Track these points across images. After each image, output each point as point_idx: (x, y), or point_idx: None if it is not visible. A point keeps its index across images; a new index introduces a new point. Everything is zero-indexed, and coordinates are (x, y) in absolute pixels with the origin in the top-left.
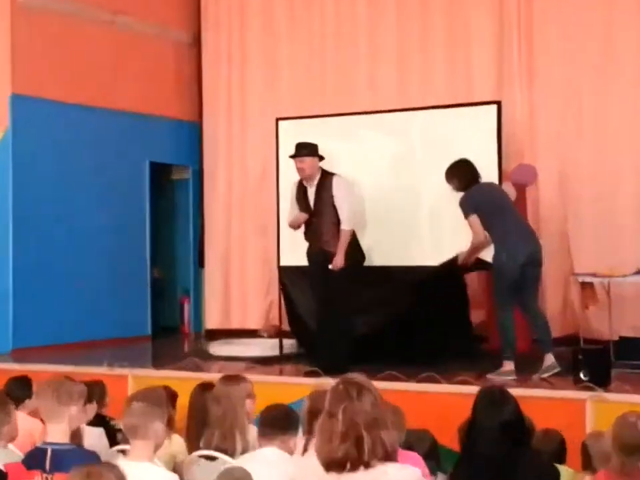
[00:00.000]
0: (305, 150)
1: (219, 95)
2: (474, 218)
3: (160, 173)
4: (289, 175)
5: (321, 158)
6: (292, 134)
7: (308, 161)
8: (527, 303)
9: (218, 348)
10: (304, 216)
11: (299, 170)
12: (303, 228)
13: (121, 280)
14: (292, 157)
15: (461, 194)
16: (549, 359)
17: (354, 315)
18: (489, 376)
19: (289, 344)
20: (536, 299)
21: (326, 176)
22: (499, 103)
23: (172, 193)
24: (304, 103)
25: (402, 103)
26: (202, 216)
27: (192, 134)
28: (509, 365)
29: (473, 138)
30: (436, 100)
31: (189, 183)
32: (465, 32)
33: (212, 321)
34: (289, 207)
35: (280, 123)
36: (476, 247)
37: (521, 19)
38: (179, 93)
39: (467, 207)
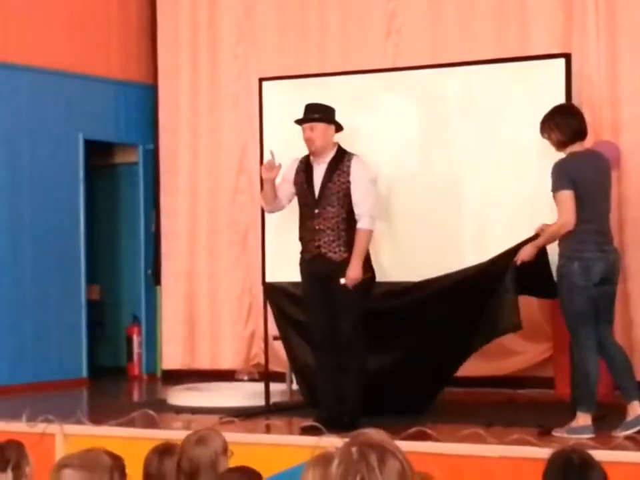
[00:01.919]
0: (318, 113)
1: (179, 47)
2: (568, 194)
3: (98, 155)
4: (280, 156)
5: (339, 127)
6: (281, 100)
7: (320, 128)
8: (599, 336)
9: (180, 396)
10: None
11: (307, 140)
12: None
13: (46, 304)
14: (298, 121)
15: (559, 156)
16: (635, 409)
17: (371, 348)
18: (555, 433)
19: (279, 390)
20: (610, 328)
21: (343, 154)
22: (567, 56)
23: (115, 183)
24: (296, 58)
25: (434, 58)
26: (157, 215)
27: (142, 101)
28: (584, 419)
29: (532, 104)
30: (478, 54)
31: (138, 168)
32: None
33: (171, 359)
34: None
35: (264, 84)
36: (557, 233)
37: None
38: (124, 43)
39: (562, 179)
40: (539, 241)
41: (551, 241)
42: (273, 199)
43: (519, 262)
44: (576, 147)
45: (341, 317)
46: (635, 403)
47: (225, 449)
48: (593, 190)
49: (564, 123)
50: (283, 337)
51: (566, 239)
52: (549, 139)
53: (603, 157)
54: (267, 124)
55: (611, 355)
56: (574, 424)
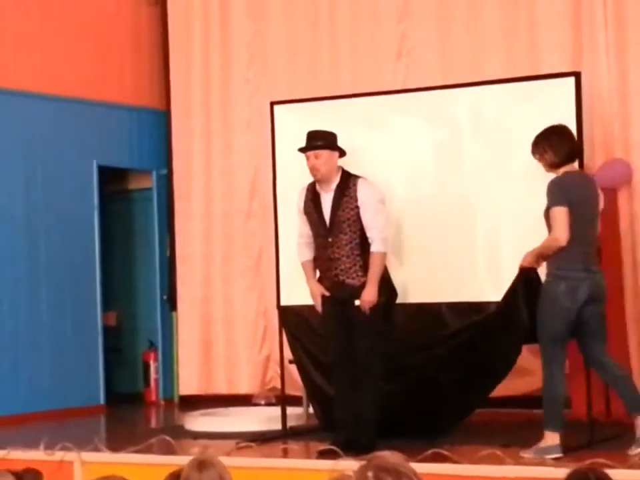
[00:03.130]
0: (321, 141)
1: (191, 72)
2: (563, 211)
3: (112, 181)
4: (292, 180)
5: (342, 153)
6: (293, 123)
7: (324, 155)
8: (592, 353)
9: (197, 422)
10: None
11: (312, 169)
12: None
13: (62, 330)
14: (302, 150)
15: (551, 176)
16: None
17: (387, 370)
18: (523, 454)
19: (295, 414)
20: (604, 345)
21: (348, 178)
22: (577, 75)
23: (129, 209)
24: (307, 80)
25: (445, 78)
26: (172, 240)
27: (156, 127)
28: (552, 438)
29: (543, 123)
30: (488, 74)
31: (152, 193)
32: None
33: (187, 384)
34: (297, 223)
35: (275, 108)
36: (549, 247)
37: None
38: (136, 70)
39: (559, 195)
40: (536, 249)
41: (544, 251)
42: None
43: (519, 267)
44: (567, 168)
45: (359, 337)
46: None
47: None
48: (584, 211)
49: (559, 144)
50: (297, 360)
51: (554, 257)
52: (541, 159)
53: (592, 179)
54: (279, 147)
55: (609, 372)
56: (542, 444)
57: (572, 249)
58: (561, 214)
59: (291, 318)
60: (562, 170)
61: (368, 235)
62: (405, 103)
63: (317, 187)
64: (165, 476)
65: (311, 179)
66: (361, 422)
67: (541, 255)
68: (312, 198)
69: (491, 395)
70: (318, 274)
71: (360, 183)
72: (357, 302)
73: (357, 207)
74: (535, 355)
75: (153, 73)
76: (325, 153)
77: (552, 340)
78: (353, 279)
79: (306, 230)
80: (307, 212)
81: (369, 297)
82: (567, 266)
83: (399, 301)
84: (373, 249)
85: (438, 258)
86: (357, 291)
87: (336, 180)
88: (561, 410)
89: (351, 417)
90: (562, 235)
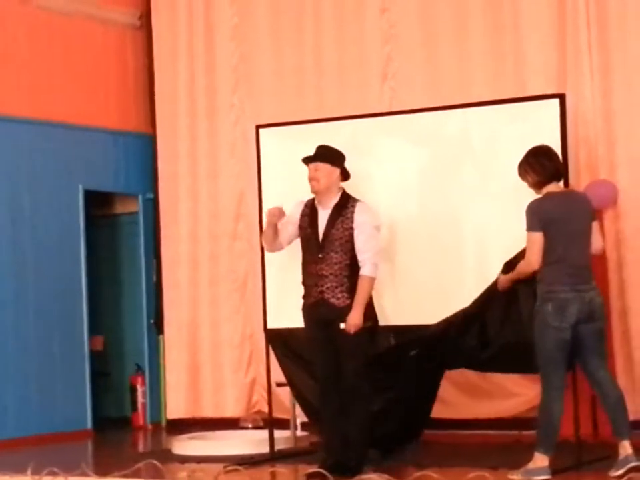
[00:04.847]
0: (325, 155)
1: (176, 96)
2: (537, 236)
3: (99, 205)
4: (278, 203)
5: (346, 175)
6: (278, 146)
7: (325, 169)
8: (589, 369)
9: (185, 445)
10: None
11: (311, 180)
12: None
13: (49, 355)
14: (305, 160)
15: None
16: (625, 448)
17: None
18: (511, 475)
19: (283, 437)
20: (601, 362)
21: (347, 199)
22: (562, 96)
23: (115, 233)
24: (293, 103)
25: (431, 101)
26: (158, 264)
27: (141, 151)
28: (541, 460)
29: (529, 143)
30: (474, 95)
31: (139, 217)
32: (512, 8)
33: (175, 407)
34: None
35: (261, 131)
36: (522, 272)
37: None
38: (122, 94)
39: (532, 220)
40: (510, 274)
41: (518, 276)
42: (273, 240)
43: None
44: (552, 188)
45: (344, 361)
46: (625, 442)
47: None
48: (567, 230)
49: (538, 164)
50: (289, 378)
51: (541, 281)
52: (525, 180)
53: (580, 197)
54: (265, 170)
55: (603, 390)
56: (531, 465)
57: (557, 269)
58: (533, 239)
59: (278, 340)
60: (545, 190)
61: (359, 258)
62: (391, 125)
63: (316, 202)
64: None
65: (298, 199)
66: (349, 445)
67: (515, 280)
68: (309, 213)
69: (479, 417)
70: (303, 290)
71: (359, 205)
72: (342, 325)
73: (352, 228)
74: (523, 377)
75: (139, 97)
76: (324, 167)
77: (546, 362)
78: (338, 299)
79: (286, 234)
80: (301, 226)
81: (353, 320)
82: (553, 288)
83: (385, 323)
84: (362, 272)
85: (425, 279)
86: (340, 312)
87: (335, 199)
88: (554, 435)
89: (339, 440)
90: (534, 260)
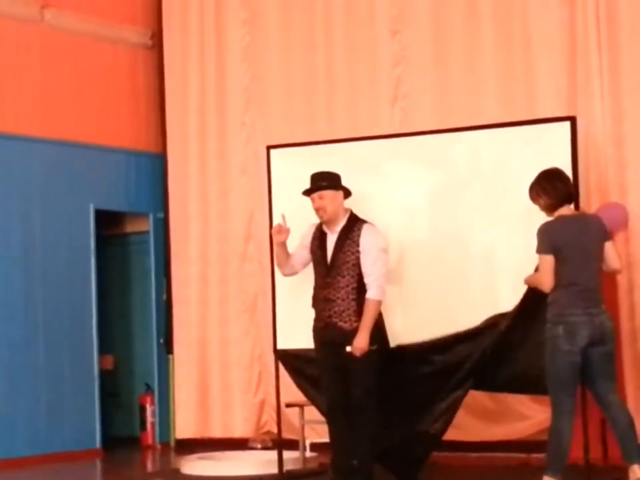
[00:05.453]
0: (324, 182)
1: (187, 116)
2: (548, 259)
3: (109, 224)
4: (288, 223)
5: (347, 193)
6: (288, 167)
7: (329, 196)
8: (599, 392)
9: (193, 466)
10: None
11: (318, 210)
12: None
13: (59, 375)
14: (306, 192)
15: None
16: (635, 472)
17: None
18: None
19: (292, 458)
20: (611, 385)
21: (354, 222)
22: (572, 119)
23: (126, 252)
24: (303, 124)
25: (441, 123)
26: (168, 283)
27: (152, 170)
28: None
29: (539, 167)
30: (485, 118)
31: (149, 237)
32: (523, 31)
33: (184, 427)
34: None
35: (271, 152)
36: (537, 283)
37: (600, 11)
38: (133, 114)
39: (543, 243)
40: (532, 278)
41: (533, 283)
42: (285, 261)
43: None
44: (564, 211)
45: (353, 383)
46: (635, 467)
47: None
48: (577, 253)
49: (550, 187)
50: (305, 391)
51: (552, 304)
52: (537, 204)
53: (592, 219)
54: (275, 191)
55: (613, 414)
56: None
57: (569, 293)
58: (544, 262)
59: (288, 358)
60: (557, 213)
61: (365, 281)
62: (401, 147)
63: (324, 227)
64: None
65: (305, 224)
66: (358, 466)
67: (533, 284)
68: (319, 237)
69: (489, 439)
70: (314, 314)
71: (365, 228)
72: (348, 348)
73: (358, 252)
74: (533, 399)
75: (150, 117)
76: (329, 193)
77: (557, 386)
78: (345, 322)
79: (299, 258)
80: (312, 250)
81: (359, 343)
82: (564, 311)
83: (394, 343)
84: (368, 295)
85: (434, 301)
86: (348, 335)
87: (342, 221)
88: (563, 459)
89: (348, 461)
90: (546, 282)
